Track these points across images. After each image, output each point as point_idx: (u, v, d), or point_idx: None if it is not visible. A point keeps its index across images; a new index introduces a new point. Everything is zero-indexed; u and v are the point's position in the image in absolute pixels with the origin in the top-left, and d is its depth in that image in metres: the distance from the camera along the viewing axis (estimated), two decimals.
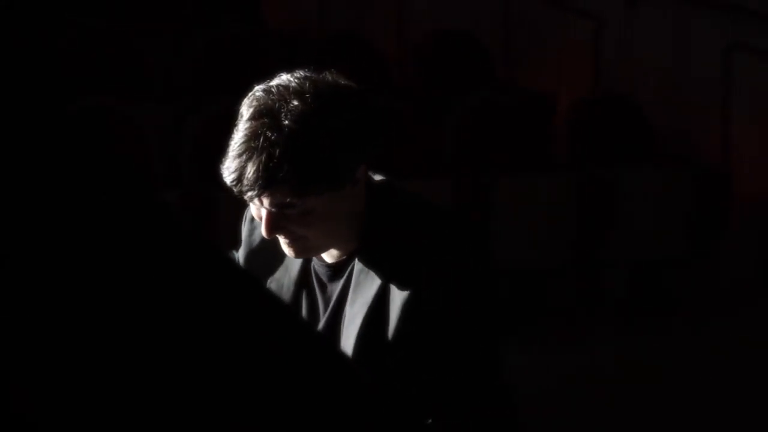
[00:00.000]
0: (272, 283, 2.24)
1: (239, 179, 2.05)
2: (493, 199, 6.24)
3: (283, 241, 2.14)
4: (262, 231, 2.11)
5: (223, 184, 2.09)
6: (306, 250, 2.16)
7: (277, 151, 2.02)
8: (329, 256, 2.20)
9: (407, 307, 2.07)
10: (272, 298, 1.72)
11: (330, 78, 2.11)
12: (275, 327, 1.17)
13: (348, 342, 2.12)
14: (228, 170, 2.07)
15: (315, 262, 2.21)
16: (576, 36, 7.83)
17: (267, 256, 2.26)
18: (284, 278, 2.24)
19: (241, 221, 2.33)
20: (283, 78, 2.09)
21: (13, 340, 1.04)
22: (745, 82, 7.02)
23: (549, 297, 6.45)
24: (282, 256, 2.24)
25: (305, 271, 2.23)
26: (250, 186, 2.04)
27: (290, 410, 1.14)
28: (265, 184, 2.03)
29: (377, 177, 2.20)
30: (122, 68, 6.79)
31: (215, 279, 1.15)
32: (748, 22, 7.05)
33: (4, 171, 1.06)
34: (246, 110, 2.07)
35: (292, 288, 2.23)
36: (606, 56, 7.72)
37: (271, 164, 2.02)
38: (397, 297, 2.08)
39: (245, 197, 2.09)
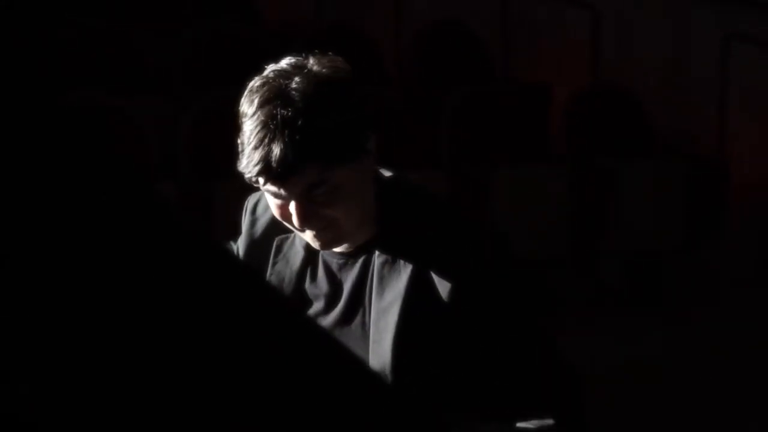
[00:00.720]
0: (272, 276, 2.23)
1: (267, 165, 2.01)
2: (491, 192, 6.24)
3: (311, 234, 2.12)
4: (296, 223, 2.08)
5: (244, 175, 2.05)
6: (336, 238, 2.14)
7: (299, 122, 2.00)
8: (340, 245, 2.19)
9: (456, 298, 2.08)
10: (273, 292, 1.72)
11: (314, 56, 2.11)
12: (276, 323, 1.17)
13: (385, 334, 2.11)
14: (251, 162, 2.02)
15: (324, 251, 2.20)
16: (574, 29, 7.82)
17: (267, 248, 2.25)
18: (285, 270, 2.23)
19: (241, 213, 2.32)
20: (273, 66, 2.10)
21: (12, 340, 1.04)
22: (743, 75, 7.01)
23: (547, 289, 6.45)
24: (283, 248, 2.23)
25: (310, 262, 2.22)
26: (281, 166, 2.00)
27: (292, 409, 1.13)
28: (297, 159, 2.00)
29: (386, 172, 2.20)
30: (119, 65, 6.80)
31: (215, 274, 1.14)
32: (746, 13, 7.04)
33: (1, 167, 1.05)
34: (249, 104, 2.05)
35: (293, 280, 2.22)
36: (604, 49, 7.72)
37: (297, 137, 2.00)
38: (440, 288, 2.09)
39: (273, 187, 2.05)
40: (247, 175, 2.04)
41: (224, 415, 1.09)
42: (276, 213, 2.12)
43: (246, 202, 2.31)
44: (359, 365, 1.50)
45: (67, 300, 1.06)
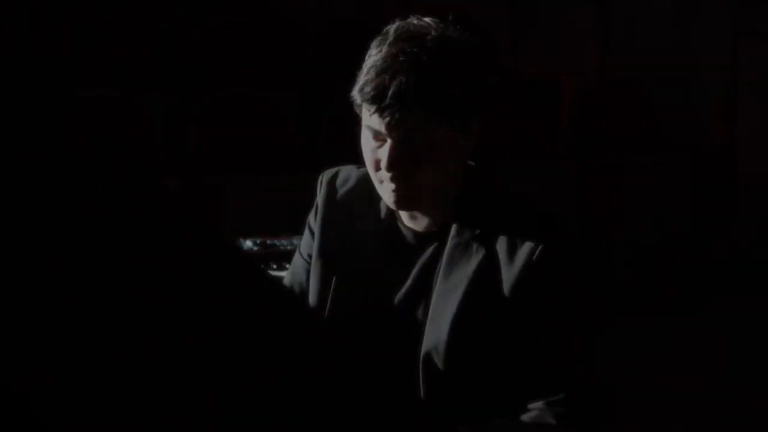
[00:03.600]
0: (351, 246, 2.24)
1: (382, 94, 2.05)
2: None
3: (389, 188, 2.13)
4: (384, 164, 2.10)
5: (355, 100, 2.09)
6: (409, 199, 2.15)
7: (425, 67, 2.06)
8: (418, 224, 2.21)
9: (520, 289, 2.09)
10: (280, 289, 1.72)
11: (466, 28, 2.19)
12: (283, 321, 1.17)
13: (444, 315, 2.12)
14: (368, 86, 2.07)
15: (402, 228, 2.22)
16: (582, 23, 7.81)
17: (347, 217, 2.26)
18: (364, 241, 2.23)
19: (317, 185, 2.32)
20: (418, 17, 2.18)
21: (15, 336, 1.04)
22: (752, 69, 7.00)
23: None
24: (365, 218, 2.25)
25: (387, 237, 2.23)
26: (395, 99, 2.05)
27: (294, 406, 1.13)
28: (412, 98, 2.05)
29: (470, 161, 2.24)
30: (129, 60, 6.80)
31: (224, 269, 1.15)
32: (756, 8, 7.03)
33: (9, 162, 1.06)
34: (382, 40, 2.11)
35: (369, 252, 2.22)
36: (612, 43, 7.71)
37: (418, 79, 2.05)
38: (506, 277, 2.11)
39: (377, 121, 2.07)
40: (359, 101, 2.08)
41: (224, 412, 1.09)
42: (367, 155, 2.14)
43: (320, 176, 2.33)
44: (372, 363, 1.49)
45: (76, 296, 1.06)
